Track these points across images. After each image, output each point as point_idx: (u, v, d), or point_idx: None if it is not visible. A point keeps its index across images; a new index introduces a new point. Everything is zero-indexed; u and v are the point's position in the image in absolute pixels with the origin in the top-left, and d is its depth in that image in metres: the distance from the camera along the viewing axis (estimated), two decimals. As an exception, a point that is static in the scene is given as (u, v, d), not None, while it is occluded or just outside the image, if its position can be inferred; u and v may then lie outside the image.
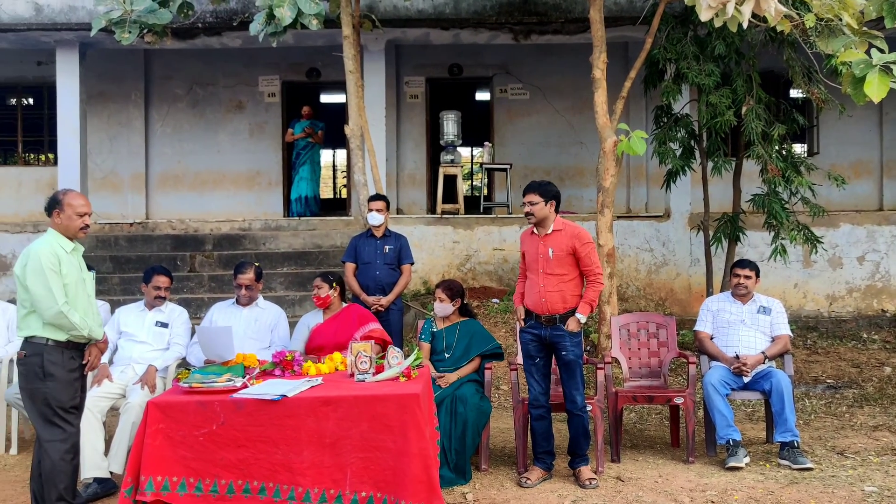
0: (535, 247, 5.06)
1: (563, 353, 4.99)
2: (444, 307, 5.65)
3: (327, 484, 4.07)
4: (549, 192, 5.02)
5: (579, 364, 5.04)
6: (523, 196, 5.05)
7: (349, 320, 5.56)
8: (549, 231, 5.03)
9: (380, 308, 6.33)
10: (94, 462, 4.84)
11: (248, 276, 5.66)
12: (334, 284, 5.65)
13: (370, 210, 6.66)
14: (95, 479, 4.82)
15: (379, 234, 6.68)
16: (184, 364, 5.62)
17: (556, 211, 5.08)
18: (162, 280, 5.68)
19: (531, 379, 5.12)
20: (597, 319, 8.47)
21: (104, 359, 5.02)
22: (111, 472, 4.87)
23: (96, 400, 5.06)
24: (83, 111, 10.42)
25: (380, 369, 4.64)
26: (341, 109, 11.83)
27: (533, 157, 12.23)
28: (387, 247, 6.62)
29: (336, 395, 4.20)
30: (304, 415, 4.12)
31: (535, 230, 5.09)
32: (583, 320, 4.99)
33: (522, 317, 5.14)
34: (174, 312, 5.71)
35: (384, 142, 10.15)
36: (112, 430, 5.15)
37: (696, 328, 5.96)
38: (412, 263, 6.79)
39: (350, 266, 6.69)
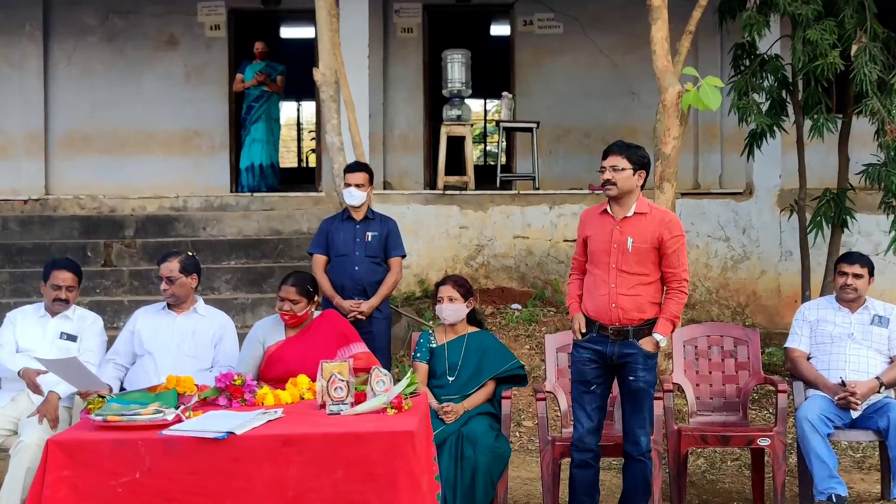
0: (606, 232, 5.04)
1: (632, 378, 5.00)
2: (455, 309, 5.66)
3: (289, 553, 4.07)
4: (640, 157, 5.03)
5: (650, 395, 5.07)
6: (604, 157, 5.05)
7: (324, 338, 5.50)
8: (630, 213, 5.02)
9: (359, 317, 6.33)
10: (-24, 520, 4.86)
11: (167, 266, 5.61)
12: (316, 298, 5.59)
13: (347, 185, 6.65)
14: (-22, 544, 4.84)
15: (359, 216, 6.68)
16: (96, 390, 5.58)
17: (642, 188, 5.09)
18: (64, 277, 5.66)
19: (581, 412, 5.12)
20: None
21: None
22: (-2, 535, 4.88)
23: (-23, 437, 5.09)
24: (-40, 48, 10.44)
25: (360, 398, 4.63)
26: (309, 48, 11.83)
27: (567, 113, 12.21)
28: (369, 233, 6.62)
29: (301, 433, 4.18)
30: (259, 459, 4.10)
31: (608, 208, 5.08)
32: (663, 343, 5.00)
33: (584, 330, 5.12)
34: (85, 321, 5.71)
35: (367, 91, 10.13)
36: (0, 477, 5.16)
37: (787, 344, 5.95)
38: (403, 256, 6.79)
39: (319, 259, 6.68)
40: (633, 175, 4.99)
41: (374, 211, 6.84)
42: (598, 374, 5.07)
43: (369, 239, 6.60)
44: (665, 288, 5.05)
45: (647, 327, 4.98)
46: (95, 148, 12.23)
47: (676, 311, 5.00)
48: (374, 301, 6.48)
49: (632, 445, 5.06)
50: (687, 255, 5.12)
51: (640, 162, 5.02)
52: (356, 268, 6.53)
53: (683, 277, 5.00)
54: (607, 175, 4.99)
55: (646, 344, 4.96)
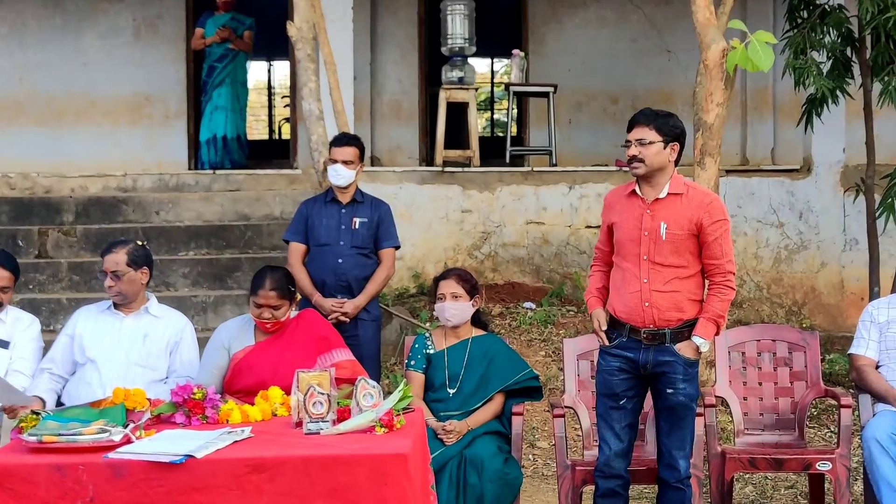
0: (635, 217, 5.04)
1: (670, 391, 5.01)
2: (459, 308, 5.69)
3: None
4: (672, 128, 5.02)
5: (691, 410, 5.07)
6: (629, 129, 5.05)
7: (301, 343, 5.50)
8: (663, 194, 5.02)
9: (342, 318, 6.35)
10: None
11: (113, 258, 5.60)
12: (297, 298, 5.60)
13: (333, 161, 6.64)
14: None
15: (345, 199, 6.69)
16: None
17: (676, 163, 5.09)
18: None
19: (608, 431, 5.13)
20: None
21: None
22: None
23: None
24: None
25: (344, 414, 4.64)
26: (282, -2, 11.81)
27: (590, 75, 12.23)
28: (357, 219, 6.63)
29: (274, 457, 4.17)
30: (223, 487, 4.09)
31: (637, 189, 5.09)
32: (704, 348, 5.00)
33: (605, 327, 5.14)
34: (20, 323, 5.71)
35: (351, 49, 10.17)
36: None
37: (851, 350, 5.96)
38: (397, 247, 6.81)
39: (297, 248, 6.70)
40: (665, 149, 4.97)
41: (364, 193, 6.83)
42: (628, 385, 5.08)
43: (356, 226, 6.60)
44: (707, 283, 5.06)
45: (687, 330, 4.98)
46: (27, 118, 12.22)
47: (721, 311, 4.99)
48: (361, 300, 6.48)
49: (668, 470, 5.07)
50: (732, 243, 5.13)
51: (673, 133, 5.00)
52: (340, 260, 6.54)
53: (729, 270, 5.00)
54: (633, 150, 4.98)
55: (685, 350, 4.96)
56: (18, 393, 5.22)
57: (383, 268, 6.65)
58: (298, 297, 5.70)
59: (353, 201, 6.69)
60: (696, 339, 4.96)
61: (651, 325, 4.97)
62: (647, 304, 4.96)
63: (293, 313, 5.60)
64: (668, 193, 5.01)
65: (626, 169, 9.80)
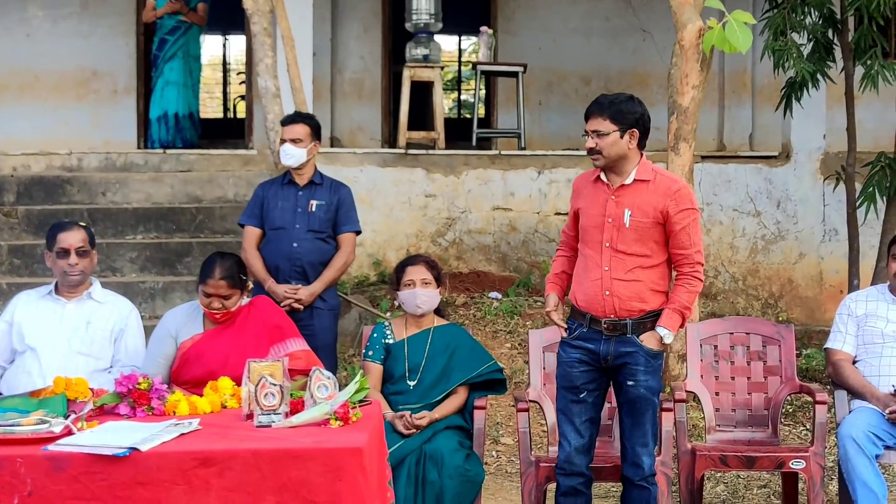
0: (600, 203, 5.08)
1: (631, 383, 5.04)
2: (430, 295, 5.72)
3: None
4: (628, 114, 5.02)
5: (654, 404, 5.10)
6: (585, 119, 5.07)
7: (253, 332, 5.51)
8: (629, 181, 5.06)
9: (296, 306, 6.35)
10: None
11: (76, 235, 5.60)
12: (248, 286, 5.58)
13: (283, 140, 6.67)
14: None
15: (302, 180, 6.70)
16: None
17: (641, 148, 5.11)
18: None
19: (568, 426, 5.16)
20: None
21: None
22: None
23: None
24: None
25: (297, 406, 4.65)
26: (238, -33, 11.78)
27: (562, 55, 12.27)
28: (314, 202, 6.64)
29: (223, 450, 4.18)
30: (170, 482, 4.10)
31: (602, 176, 5.12)
32: (668, 339, 5.03)
33: (554, 309, 5.20)
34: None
35: (311, 24, 10.14)
36: None
37: (828, 345, 6.02)
38: (358, 232, 6.83)
39: (252, 233, 6.71)
40: (623, 137, 4.98)
41: (324, 175, 6.84)
42: (589, 378, 5.11)
43: (313, 209, 6.60)
44: (675, 273, 5.10)
45: (650, 320, 5.02)
46: (-34, 92, 12.14)
47: (688, 302, 5.03)
48: (317, 287, 6.48)
49: (632, 468, 5.10)
50: (702, 233, 5.17)
51: (630, 119, 5.00)
52: (295, 244, 6.54)
53: (697, 260, 5.04)
54: (590, 143, 5.01)
55: (648, 340, 4.99)
56: None
57: (342, 253, 6.65)
58: (251, 284, 5.69)
59: (310, 183, 6.70)
60: (661, 330, 4.99)
61: (612, 315, 5.00)
62: (607, 292, 4.99)
63: (245, 301, 5.60)
64: (635, 180, 5.04)
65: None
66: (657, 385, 5.09)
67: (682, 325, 5.10)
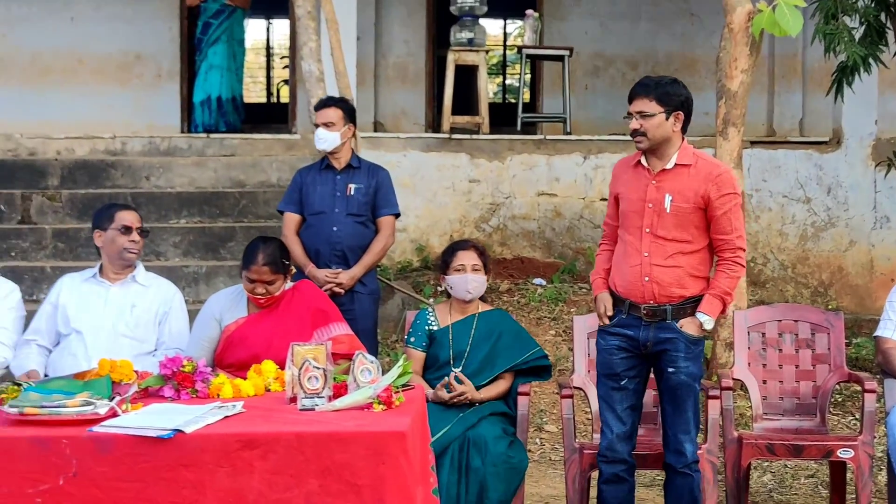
0: (640, 188, 5.09)
1: (672, 370, 5.05)
2: (480, 281, 5.73)
3: (249, 580, 4.13)
4: (673, 96, 5.03)
5: (695, 391, 5.11)
6: (629, 101, 5.07)
7: (297, 315, 5.55)
8: (670, 165, 5.06)
9: (337, 290, 6.39)
10: None
11: (135, 214, 5.71)
12: (291, 270, 5.61)
13: (317, 125, 6.72)
14: None
15: (340, 164, 6.74)
16: (11, 376, 5.64)
17: (684, 132, 5.11)
18: None
19: (609, 413, 5.18)
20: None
21: None
22: None
23: None
24: None
25: (340, 390, 4.68)
26: (282, -50, 11.82)
27: (609, 38, 12.25)
28: (352, 185, 6.67)
29: (266, 433, 4.21)
30: (213, 464, 4.13)
31: (643, 160, 5.12)
32: (709, 325, 5.04)
33: (610, 312, 5.18)
34: (-3, 290, 5.75)
35: (354, 7, 10.21)
36: None
37: (877, 333, 5.98)
38: (397, 215, 6.84)
39: (291, 219, 6.76)
40: (668, 119, 4.99)
41: (361, 158, 6.87)
42: (629, 365, 5.13)
43: (352, 192, 6.64)
44: (716, 259, 5.10)
45: (690, 306, 5.02)
46: (10, 76, 12.24)
47: (729, 287, 5.03)
48: (357, 271, 6.52)
49: (674, 455, 5.11)
50: (744, 219, 5.16)
51: (676, 101, 5.01)
52: (335, 228, 6.58)
53: (738, 245, 5.04)
54: (634, 124, 5.00)
55: (688, 326, 4.99)
56: None
57: (381, 237, 6.68)
58: (293, 269, 5.72)
59: (348, 167, 6.73)
60: (701, 316, 4.99)
61: (651, 301, 5.01)
62: (646, 278, 5.00)
63: (288, 285, 5.64)
64: (676, 164, 5.04)
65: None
66: (698, 371, 5.10)
67: (723, 312, 5.10)
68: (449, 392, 5.48)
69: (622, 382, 5.14)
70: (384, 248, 6.73)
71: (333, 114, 6.66)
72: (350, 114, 6.78)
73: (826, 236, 10.19)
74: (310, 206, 6.69)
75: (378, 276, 8.87)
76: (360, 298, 6.56)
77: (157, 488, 4.12)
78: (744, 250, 5.07)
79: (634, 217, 5.06)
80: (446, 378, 5.52)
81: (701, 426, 5.28)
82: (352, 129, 6.78)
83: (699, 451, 5.32)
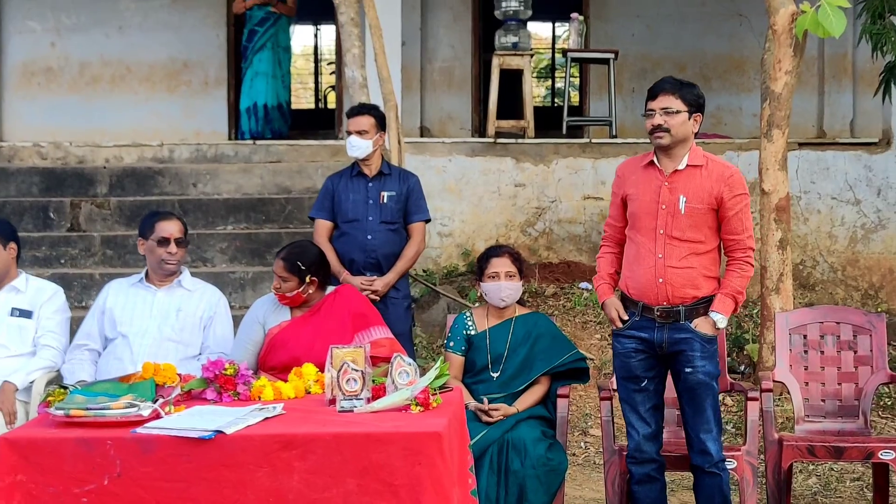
0: (653, 190, 5.15)
1: (689, 370, 5.11)
2: (515, 288, 5.79)
3: (289, 578, 4.24)
4: (696, 97, 5.13)
5: (713, 389, 5.16)
6: (652, 97, 5.14)
7: (338, 319, 5.63)
8: (682, 166, 5.14)
9: (372, 297, 6.45)
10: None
11: (175, 224, 5.81)
12: (309, 278, 5.66)
13: (348, 132, 6.80)
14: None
15: (371, 171, 6.82)
16: (58, 380, 5.78)
17: (695, 135, 5.20)
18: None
19: (632, 415, 5.26)
20: (757, 321, 8.56)
21: None
22: (-59, 555, 5.11)
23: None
24: None
25: (379, 392, 4.78)
26: (327, -43, 11.97)
27: (655, 41, 12.27)
28: (385, 193, 6.75)
29: (305, 434, 4.31)
30: (254, 464, 4.24)
31: (655, 159, 5.20)
32: (722, 324, 5.11)
33: (624, 316, 5.24)
34: (41, 293, 5.89)
35: (399, 13, 10.29)
36: (-58, 486, 5.39)
37: (919, 334, 6.03)
38: (428, 220, 6.94)
39: (323, 226, 6.85)
40: (689, 119, 5.07)
41: (391, 165, 6.97)
42: (647, 366, 5.20)
43: (385, 200, 6.73)
44: (727, 259, 5.17)
45: (703, 306, 5.09)
46: (60, 84, 12.47)
47: (740, 287, 5.10)
48: (391, 277, 6.62)
49: (699, 456, 5.16)
50: (752, 218, 5.23)
51: (697, 103, 5.10)
52: (369, 236, 6.68)
53: (748, 245, 5.12)
54: (658, 119, 5.05)
55: (702, 326, 5.06)
56: None
57: (413, 243, 6.78)
58: (317, 281, 5.69)
59: (379, 174, 6.81)
60: (714, 315, 5.06)
61: (664, 303, 5.07)
62: (660, 280, 5.06)
63: (329, 289, 5.75)
64: (688, 165, 5.11)
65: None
66: (715, 370, 5.15)
67: (734, 311, 5.16)
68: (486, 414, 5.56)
69: (643, 384, 5.21)
70: (416, 254, 6.82)
71: (366, 121, 6.73)
72: (381, 121, 6.85)
73: (876, 238, 10.17)
74: (343, 214, 6.77)
75: (424, 281, 9.01)
76: (395, 303, 6.65)
77: (199, 488, 4.23)
78: (753, 249, 5.15)
79: (647, 219, 5.12)
80: (483, 402, 5.59)
81: (734, 427, 5.29)
82: (383, 137, 6.86)
83: (737, 454, 5.41)
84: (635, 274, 5.17)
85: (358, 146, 6.71)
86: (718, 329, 5.11)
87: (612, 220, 5.39)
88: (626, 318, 5.21)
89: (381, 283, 6.58)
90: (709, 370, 5.11)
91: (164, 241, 5.76)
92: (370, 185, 6.79)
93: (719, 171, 5.11)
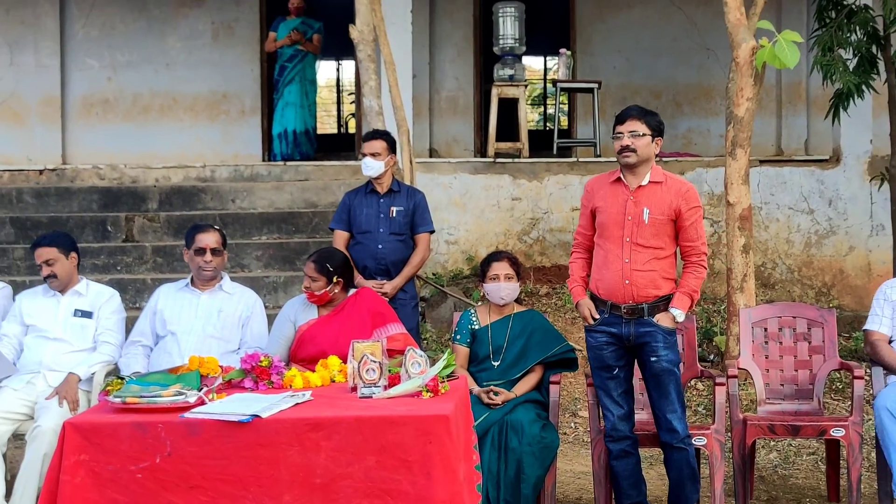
0: (619, 203, 5.21)
1: (653, 359, 5.17)
2: (513, 288, 5.83)
3: (317, 542, 4.27)
4: (658, 123, 5.23)
5: (675, 375, 5.21)
6: (620, 122, 5.20)
7: (359, 317, 5.69)
8: (645, 182, 5.19)
9: (383, 297, 6.45)
10: (-9, 508, 5.13)
11: (212, 236, 5.85)
12: (335, 279, 5.71)
13: (363, 155, 6.83)
14: (-7, 532, 5.12)
15: (383, 188, 6.85)
16: (115, 371, 5.82)
17: (658, 155, 5.32)
18: (40, 253, 5.85)
19: (607, 399, 5.32)
20: (724, 315, 8.58)
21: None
22: (15, 525, 5.15)
23: (-8, 423, 5.36)
24: (-29, 6, 10.73)
25: (394, 380, 4.82)
26: (348, 2, 11.98)
27: (634, 72, 12.28)
28: (394, 208, 6.79)
29: (331, 417, 4.36)
30: (286, 444, 4.29)
31: (622, 176, 5.24)
32: (680, 318, 5.18)
33: (596, 315, 5.28)
34: (100, 297, 5.95)
35: (410, 49, 10.30)
36: (16, 466, 5.42)
37: (866, 326, 6.03)
38: (432, 232, 6.97)
39: (341, 236, 6.87)
40: (651, 142, 5.16)
41: (400, 182, 7.02)
42: (618, 356, 5.26)
43: (394, 214, 6.76)
44: (684, 263, 5.24)
45: (663, 304, 5.17)
46: (115, 114, 12.52)
47: (695, 286, 5.19)
48: (399, 281, 6.66)
49: (667, 434, 5.22)
50: (704, 227, 5.34)
51: (658, 129, 5.21)
52: (380, 246, 6.71)
53: (703, 251, 5.21)
54: (626, 141, 5.13)
55: (663, 320, 5.13)
56: (7, 364, 5.49)
57: (419, 251, 6.80)
58: (337, 280, 5.69)
59: (390, 191, 6.85)
60: (674, 311, 5.14)
61: (630, 301, 5.14)
62: (627, 281, 5.13)
63: (351, 291, 5.79)
64: (650, 182, 5.19)
65: (668, 158, 9.94)
66: (676, 358, 5.23)
67: (691, 307, 5.22)
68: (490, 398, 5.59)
69: (614, 372, 5.28)
70: (421, 261, 6.85)
71: (379, 145, 6.77)
72: (392, 145, 6.90)
73: (828, 243, 10.18)
74: (357, 226, 6.79)
75: (433, 283, 9.03)
76: (403, 303, 6.66)
77: (239, 465, 4.29)
78: (706, 255, 5.24)
79: (615, 228, 5.19)
80: (492, 389, 5.61)
81: (703, 409, 5.32)
82: (393, 159, 6.90)
83: (706, 432, 5.43)
84: (604, 277, 5.23)
85: (371, 166, 6.74)
86: (677, 322, 5.17)
87: (581, 228, 5.44)
88: (597, 316, 5.27)
89: (390, 286, 6.60)
90: (671, 358, 5.18)
91: (200, 251, 5.82)
92: (381, 200, 6.82)
93: (677, 187, 5.20)
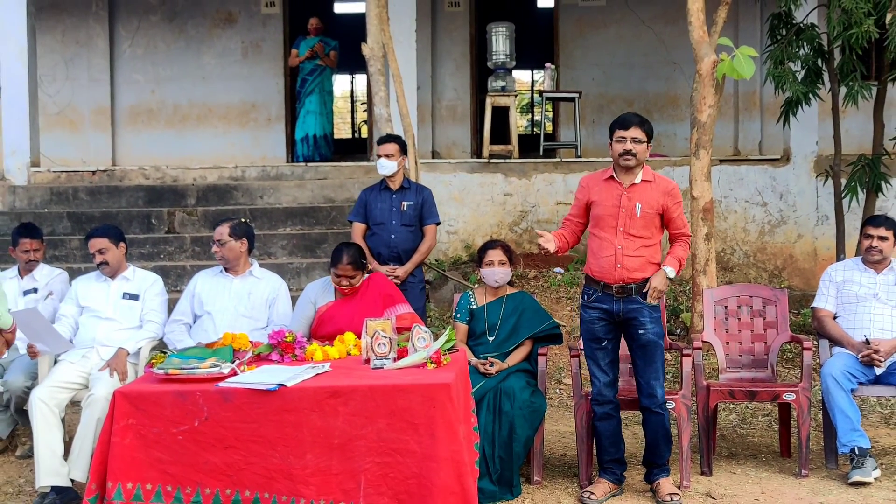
0: (614, 198, 5.19)
1: (641, 332, 5.15)
2: (505, 273, 5.80)
3: (335, 495, 4.27)
4: (651, 131, 5.23)
5: (660, 346, 5.21)
6: (624, 127, 5.13)
7: (371, 299, 5.70)
8: (638, 180, 5.19)
9: (395, 282, 6.47)
10: (52, 467, 5.10)
11: (221, 228, 5.87)
12: (367, 266, 5.76)
13: (378, 155, 6.82)
14: (53, 489, 5.09)
15: (395, 185, 6.85)
16: (159, 346, 5.83)
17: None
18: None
19: (595, 368, 5.29)
20: (689, 295, 8.56)
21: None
22: (72, 480, 5.13)
23: (53, 392, 5.32)
24: (31, 27, 10.68)
25: (402, 353, 4.82)
26: (360, 22, 11.96)
27: (610, 83, 12.25)
28: (405, 203, 6.79)
29: (347, 385, 4.38)
30: (308, 409, 4.31)
31: (615, 175, 5.21)
32: (671, 274, 5.16)
33: (545, 245, 5.16)
34: (145, 281, 5.94)
35: (414, 64, 10.28)
36: (73, 429, 5.42)
37: (814, 304, 6.03)
38: (438, 223, 6.96)
39: (358, 227, 6.87)
40: (647, 148, 5.17)
41: (410, 180, 7.00)
42: (607, 330, 5.23)
43: (405, 208, 6.76)
44: (672, 242, 5.29)
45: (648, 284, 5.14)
46: (158, 121, 12.52)
47: (683, 255, 5.23)
48: (409, 266, 6.66)
49: (648, 398, 5.21)
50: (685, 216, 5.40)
51: (651, 135, 5.20)
52: (392, 236, 6.72)
53: (687, 234, 5.28)
54: (629, 146, 5.10)
55: (656, 280, 5.07)
56: (58, 336, 5.39)
57: (426, 240, 6.81)
58: (369, 266, 5.83)
59: (401, 188, 6.84)
60: (666, 269, 5.14)
61: (621, 282, 5.12)
62: (619, 265, 5.11)
63: (364, 276, 5.78)
64: (642, 180, 5.18)
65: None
66: (660, 331, 5.24)
67: (678, 271, 5.20)
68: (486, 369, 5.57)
69: (603, 344, 5.25)
70: (429, 249, 6.85)
71: (392, 147, 6.78)
72: (403, 147, 6.89)
73: (779, 231, 10.15)
74: (373, 219, 6.81)
75: (436, 268, 9.02)
76: (412, 286, 6.67)
77: (267, 427, 4.32)
78: (689, 236, 5.30)
79: (610, 219, 5.17)
80: (488, 360, 5.59)
81: (672, 376, 5.30)
82: (405, 159, 6.89)
83: (675, 397, 5.42)
84: (599, 261, 5.20)
85: (386, 166, 6.74)
86: (669, 279, 5.14)
87: (572, 216, 5.41)
88: (548, 248, 5.19)
89: (401, 270, 6.60)
90: (657, 331, 5.18)
91: (214, 243, 5.91)
92: (394, 196, 6.81)
93: (664, 186, 5.22)
